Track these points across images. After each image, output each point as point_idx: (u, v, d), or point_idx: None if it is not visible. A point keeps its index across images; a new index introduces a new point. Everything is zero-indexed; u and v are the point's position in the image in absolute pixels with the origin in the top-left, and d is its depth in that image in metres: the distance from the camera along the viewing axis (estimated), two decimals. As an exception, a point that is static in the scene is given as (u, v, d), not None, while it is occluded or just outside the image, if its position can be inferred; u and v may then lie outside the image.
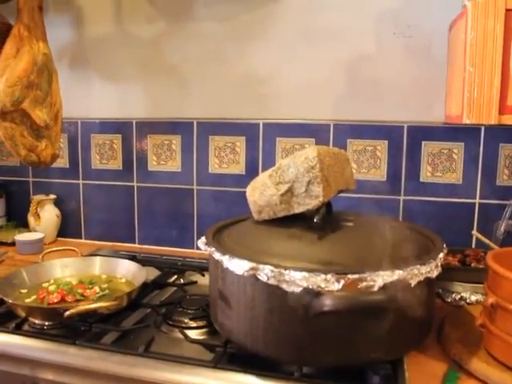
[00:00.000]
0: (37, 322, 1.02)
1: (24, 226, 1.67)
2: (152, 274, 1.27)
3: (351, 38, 1.36)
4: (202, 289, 1.19)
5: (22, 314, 1.01)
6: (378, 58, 1.36)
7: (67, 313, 0.93)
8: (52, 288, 1.13)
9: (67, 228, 1.66)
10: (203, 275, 1.27)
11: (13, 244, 1.57)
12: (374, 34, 1.36)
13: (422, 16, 1.32)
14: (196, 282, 1.25)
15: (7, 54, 1.34)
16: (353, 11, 1.36)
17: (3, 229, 1.66)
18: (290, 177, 0.88)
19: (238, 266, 0.78)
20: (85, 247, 1.49)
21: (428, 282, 0.79)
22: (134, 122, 1.55)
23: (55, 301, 1.07)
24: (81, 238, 1.67)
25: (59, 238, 1.66)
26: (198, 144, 1.49)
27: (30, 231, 1.62)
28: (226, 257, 0.81)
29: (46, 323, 1.02)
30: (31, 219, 1.61)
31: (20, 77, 1.32)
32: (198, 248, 1.46)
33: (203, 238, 0.92)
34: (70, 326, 0.99)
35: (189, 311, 1.06)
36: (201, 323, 1.01)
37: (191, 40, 1.48)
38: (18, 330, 0.98)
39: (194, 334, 0.97)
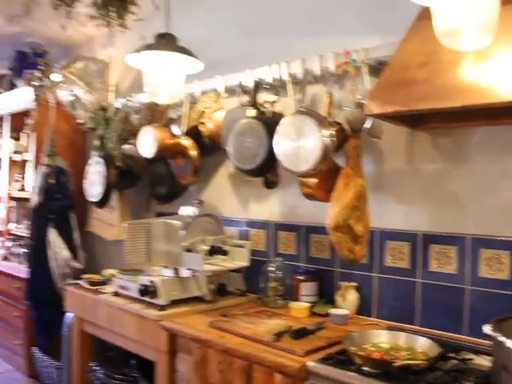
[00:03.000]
0: (365, 368, 1.63)
1: (331, 303, 2.35)
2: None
3: None
4: (475, 365, 1.67)
5: (359, 361, 1.63)
6: None
7: (396, 364, 1.52)
8: (372, 348, 1.74)
9: (362, 308, 2.30)
10: (477, 355, 1.75)
11: (324, 315, 2.26)
12: None
13: None
14: (472, 359, 1.73)
15: (339, 187, 2.08)
16: None
17: (317, 304, 2.37)
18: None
19: (520, 347, 1.29)
20: (377, 324, 2.10)
21: None
22: (420, 234, 2.15)
23: (377, 357, 1.67)
24: (371, 317, 2.28)
25: (355, 316, 2.29)
26: (472, 254, 2.01)
27: (336, 307, 2.29)
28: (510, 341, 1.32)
29: (371, 370, 1.62)
30: (339, 299, 2.29)
31: (348, 203, 2.05)
32: (470, 334, 1.95)
33: (489, 327, 1.44)
34: (390, 374, 1.57)
35: (471, 378, 1.55)
36: (482, 387, 1.50)
37: (464, 175, 2.04)
38: (359, 371, 1.61)
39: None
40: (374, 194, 2.24)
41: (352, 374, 1.61)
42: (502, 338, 1.35)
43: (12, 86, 4.26)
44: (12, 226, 4.25)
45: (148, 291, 2.31)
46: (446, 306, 2.08)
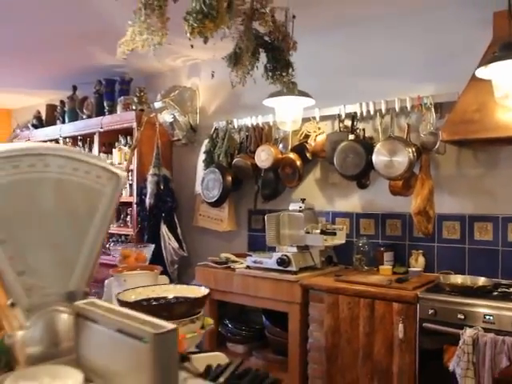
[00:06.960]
0: (452, 292, 2.99)
1: (404, 265, 3.71)
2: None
3: None
4: (515, 289, 3.07)
5: (448, 289, 2.99)
6: None
7: (474, 286, 2.89)
8: (452, 283, 3.11)
9: (427, 267, 3.66)
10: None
11: (402, 273, 3.61)
12: None
13: None
14: (511, 287, 3.12)
15: (418, 186, 3.45)
16: None
17: (395, 266, 3.72)
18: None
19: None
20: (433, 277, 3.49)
21: None
22: (467, 215, 3.54)
23: (459, 284, 3.04)
24: (434, 272, 3.64)
25: (423, 273, 3.65)
26: (502, 227, 3.40)
27: (410, 267, 3.65)
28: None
29: (457, 293, 2.98)
30: (412, 261, 3.67)
31: (425, 196, 3.42)
32: (503, 278, 3.36)
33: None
34: (469, 293, 2.93)
35: (514, 294, 2.94)
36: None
37: (495, 176, 3.43)
38: (450, 294, 2.97)
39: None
40: (435, 190, 3.61)
41: (446, 294, 2.98)
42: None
43: (98, 109, 5.45)
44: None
45: (284, 262, 3.61)
46: (485, 261, 3.47)
